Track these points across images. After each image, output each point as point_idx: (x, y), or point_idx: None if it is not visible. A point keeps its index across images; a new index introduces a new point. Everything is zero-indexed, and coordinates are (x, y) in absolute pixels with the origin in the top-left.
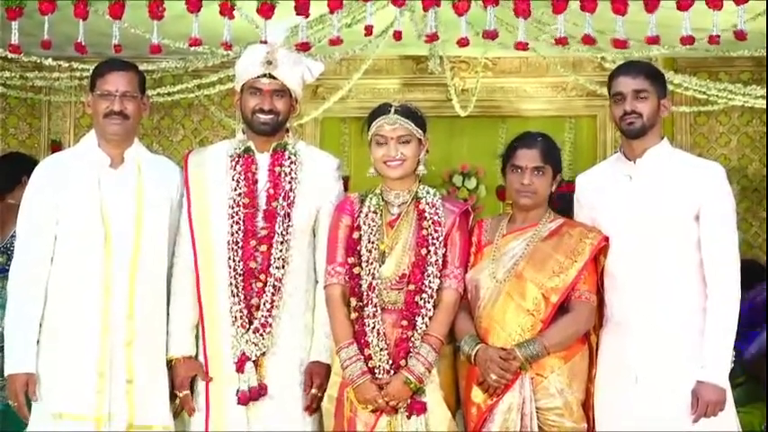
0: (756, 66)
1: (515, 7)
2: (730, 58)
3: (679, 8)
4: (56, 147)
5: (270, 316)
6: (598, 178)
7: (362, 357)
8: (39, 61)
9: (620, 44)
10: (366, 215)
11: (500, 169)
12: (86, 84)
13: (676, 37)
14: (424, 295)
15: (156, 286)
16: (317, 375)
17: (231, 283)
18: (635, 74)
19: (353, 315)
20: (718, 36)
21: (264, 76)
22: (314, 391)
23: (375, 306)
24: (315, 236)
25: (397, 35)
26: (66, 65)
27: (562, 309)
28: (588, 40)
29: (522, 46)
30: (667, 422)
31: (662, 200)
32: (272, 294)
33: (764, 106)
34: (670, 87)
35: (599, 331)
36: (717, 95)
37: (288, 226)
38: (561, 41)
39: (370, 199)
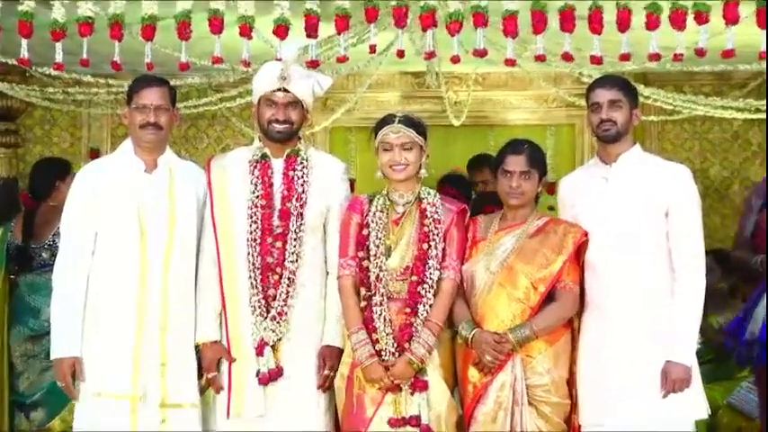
0: (716, 79)
1: (504, 28)
2: (693, 72)
3: (647, 28)
4: (94, 154)
5: (285, 305)
6: (578, 180)
7: (371, 341)
8: (79, 78)
9: (596, 60)
10: (374, 214)
11: (492, 173)
12: (121, 98)
13: (645, 54)
14: (425, 285)
15: (187, 278)
16: (330, 357)
17: (250, 276)
18: (610, 86)
19: (363, 303)
20: (682, 54)
21: (279, 89)
22: (326, 371)
23: (382, 295)
24: (325, 232)
25: (400, 53)
26: (104, 81)
27: (549, 297)
28: (567, 57)
29: (510, 62)
30: (640, 397)
31: (634, 199)
32: (287, 286)
33: (724, 115)
34: (640, 99)
35: (581, 316)
36: (682, 106)
37: (301, 224)
38: (540, 58)
39: (378, 199)
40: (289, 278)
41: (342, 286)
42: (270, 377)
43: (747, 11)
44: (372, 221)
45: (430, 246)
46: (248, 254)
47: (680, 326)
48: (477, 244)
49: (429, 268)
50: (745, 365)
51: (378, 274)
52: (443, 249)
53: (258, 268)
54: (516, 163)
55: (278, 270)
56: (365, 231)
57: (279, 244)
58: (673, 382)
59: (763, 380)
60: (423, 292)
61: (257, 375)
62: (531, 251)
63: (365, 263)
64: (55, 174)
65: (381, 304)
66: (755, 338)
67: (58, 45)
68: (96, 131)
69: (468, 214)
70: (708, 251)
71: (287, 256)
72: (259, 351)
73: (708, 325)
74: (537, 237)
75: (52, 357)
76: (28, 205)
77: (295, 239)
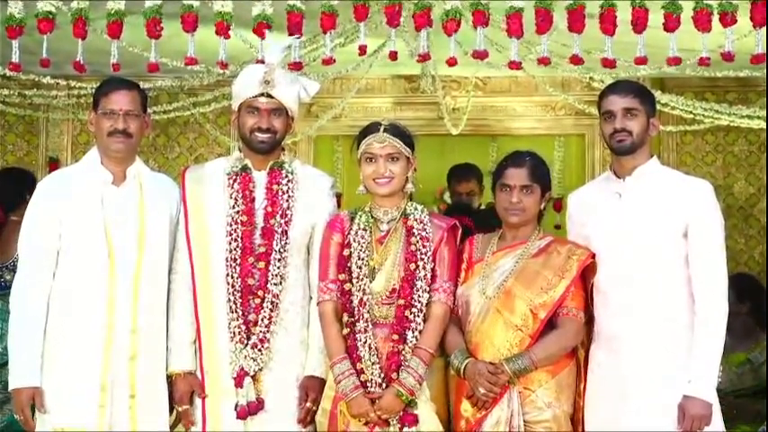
0: (741, 86)
1: (508, 27)
2: (716, 78)
3: (666, 29)
4: (53, 164)
5: (267, 331)
6: (588, 196)
7: (355, 372)
8: (37, 79)
9: (608, 63)
10: (356, 232)
11: (491, 187)
12: (84, 101)
13: (663, 57)
14: (413, 309)
15: (159, 301)
16: (312, 390)
17: (229, 300)
18: (625, 92)
19: (345, 330)
20: (708, 58)
21: (262, 95)
22: (308, 404)
23: (366, 321)
24: (309, 253)
25: (393, 55)
26: (65, 83)
27: (550, 324)
28: (576, 60)
29: (515, 66)
30: None
31: (650, 217)
32: (270, 310)
33: (750, 126)
34: (657, 107)
35: (588, 346)
36: (703, 115)
37: (285, 243)
38: (543, 61)
39: (360, 216)
40: (272, 302)
41: (322, 312)
42: (249, 410)
43: None
44: (354, 240)
45: (418, 266)
46: (227, 275)
47: (700, 357)
48: (473, 266)
49: (417, 291)
50: None
51: (361, 299)
52: (433, 270)
53: (238, 291)
54: (517, 176)
55: (260, 293)
56: (346, 252)
57: (261, 264)
58: (691, 418)
59: None
60: (411, 317)
61: (235, 409)
62: (532, 274)
63: (347, 286)
64: (24, 186)
65: (366, 331)
66: None
67: (15, 43)
68: (55, 138)
69: (460, 231)
70: (730, 276)
71: (270, 278)
72: (238, 382)
73: (740, 362)
74: (538, 258)
75: (10, 388)
76: None
77: (279, 260)
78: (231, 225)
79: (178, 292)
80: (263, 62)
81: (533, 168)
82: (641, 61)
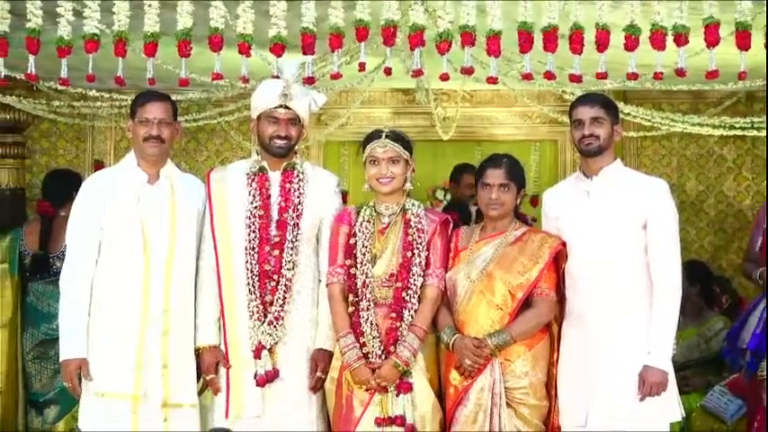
0: (693, 98)
1: (488, 48)
2: (671, 91)
3: (626, 49)
4: (98, 165)
5: (282, 310)
6: (561, 194)
7: (358, 345)
8: (84, 92)
9: (575, 79)
10: (361, 224)
11: (473, 185)
12: (125, 111)
13: (625, 73)
14: (409, 291)
15: (188, 285)
16: (321, 360)
17: (248, 283)
18: (592, 103)
19: (351, 309)
20: (662, 73)
21: (281, 107)
22: (318, 374)
23: (368, 301)
24: (318, 242)
25: (387, 71)
26: (108, 95)
27: (527, 304)
28: (549, 76)
29: (492, 80)
30: (619, 399)
31: (614, 212)
32: (284, 292)
33: (700, 132)
34: (620, 116)
35: (560, 322)
36: (660, 123)
37: (297, 234)
38: (527, 77)
39: (365, 210)
40: (285, 285)
41: (331, 293)
42: (267, 379)
43: (725, 32)
44: (359, 231)
45: (413, 254)
46: (246, 262)
47: (657, 332)
48: (459, 253)
49: (413, 275)
50: (737, 371)
51: (364, 281)
52: (427, 257)
53: (256, 275)
54: (495, 176)
55: (275, 277)
56: (352, 240)
57: (276, 252)
58: (650, 385)
59: (755, 387)
60: (407, 298)
61: (255, 377)
62: (510, 259)
63: (353, 270)
64: (73, 185)
65: (368, 309)
66: (745, 346)
67: (64, 61)
68: (100, 144)
69: (452, 225)
70: (683, 263)
71: (283, 264)
72: (256, 354)
73: (691, 337)
74: (515, 245)
75: (60, 359)
76: (48, 213)
77: (291, 248)
78: (250, 218)
79: (204, 277)
80: (277, 77)
81: (509, 168)
82: (602, 76)
